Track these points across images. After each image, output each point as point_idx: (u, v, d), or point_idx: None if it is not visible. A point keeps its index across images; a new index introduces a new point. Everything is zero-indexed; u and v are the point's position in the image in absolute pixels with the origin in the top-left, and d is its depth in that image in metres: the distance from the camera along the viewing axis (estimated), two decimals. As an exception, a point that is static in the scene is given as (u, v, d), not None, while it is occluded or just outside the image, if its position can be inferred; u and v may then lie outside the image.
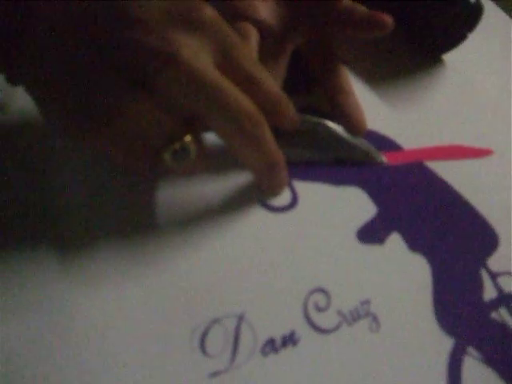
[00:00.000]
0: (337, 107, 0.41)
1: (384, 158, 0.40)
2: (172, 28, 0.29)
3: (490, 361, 0.33)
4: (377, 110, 0.43)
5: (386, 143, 0.41)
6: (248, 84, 0.31)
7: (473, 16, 0.47)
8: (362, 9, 0.41)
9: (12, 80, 0.32)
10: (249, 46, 0.39)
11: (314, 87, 0.44)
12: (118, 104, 0.28)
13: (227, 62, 0.31)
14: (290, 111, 0.34)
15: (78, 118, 0.30)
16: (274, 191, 0.37)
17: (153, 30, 0.29)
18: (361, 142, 0.40)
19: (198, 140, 0.31)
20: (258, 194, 0.37)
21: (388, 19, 0.40)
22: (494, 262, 0.37)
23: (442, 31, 0.48)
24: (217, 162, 0.37)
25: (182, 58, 0.28)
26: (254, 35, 0.40)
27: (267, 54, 0.40)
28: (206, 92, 0.29)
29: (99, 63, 0.29)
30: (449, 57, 0.49)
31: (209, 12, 0.30)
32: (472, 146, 0.43)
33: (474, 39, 0.47)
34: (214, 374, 0.30)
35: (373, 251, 0.36)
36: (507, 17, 0.57)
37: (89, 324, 0.30)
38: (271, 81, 0.33)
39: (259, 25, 0.41)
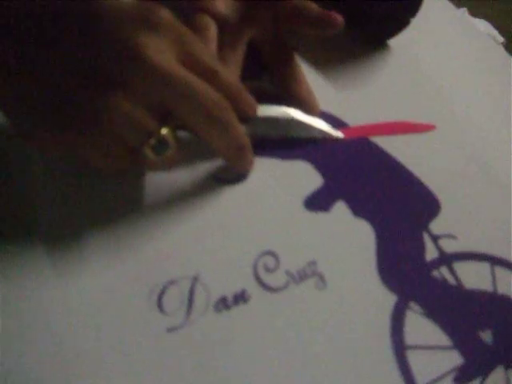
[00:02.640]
0: (292, 94, 0.44)
1: (340, 134, 0.43)
2: (134, 30, 0.31)
3: (430, 314, 0.36)
4: (325, 92, 0.46)
5: (334, 122, 0.44)
6: (209, 76, 0.34)
7: (414, 3, 0.50)
8: (313, 7, 0.44)
9: None
10: (206, 43, 0.41)
11: (264, 72, 0.46)
12: (91, 109, 0.31)
13: (187, 58, 0.34)
14: (248, 99, 0.37)
15: (52, 130, 0.32)
16: (242, 171, 0.39)
17: (116, 33, 0.31)
18: (317, 123, 0.42)
19: (173, 132, 0.34)
20: (212, 169, 0.39)
21: (339, 18, 0.43)
22: (436, 225, 0.40)
23: (385, 18, 0.51)
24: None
25: (146, 55, 0.31)
26: (212, 27, 0.43)
27: (225, 45, 0.43)
28: (173, 85, 0.32)
29: (67, 70, 0.31)
30: (394, 42, 0.52)
31: (164, 14, 0.33)
32: (415, 122, 0.46)
33: (417, 23, 0.49)
34: (171, 330, 0.32)
35: (319, 218, 0.38)
36: (448, 4, 0.60)
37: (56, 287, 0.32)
38: (229, 72, 0.36)
39: (217, 17, 0.44)
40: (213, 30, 0.43)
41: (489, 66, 0.53)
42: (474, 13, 1.77)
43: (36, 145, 0.33)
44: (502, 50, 0.56)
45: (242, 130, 0.35)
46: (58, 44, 0.31)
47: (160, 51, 0.32)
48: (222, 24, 0.44)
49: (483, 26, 1.73)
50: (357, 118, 0.44)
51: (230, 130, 0.34)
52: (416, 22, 0.50)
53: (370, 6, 0.50)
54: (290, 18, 0.45)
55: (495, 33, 1.75)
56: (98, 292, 0.33)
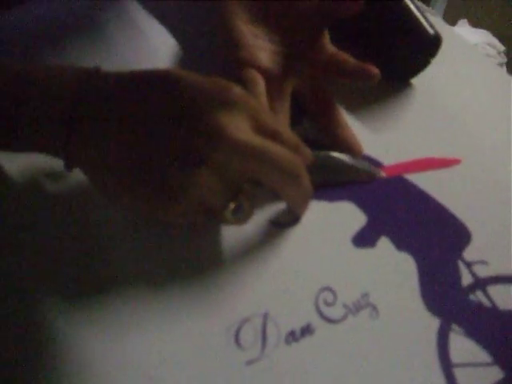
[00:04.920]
0: (336, 139, 0.49)
1: (382, 173, 0.48)
2: (215, 110, 0.36)
3: (470, 334, 0.41)
4: (359, 133, 0.51)
5: (371, 162, 0.49)
6: (274, 137, 0.39)
7: (433, 45, 0.55)
8: (349, 58, 0.49)
9: (70, 166, 0.39)
10: (257, 97, 0.45)
11: (306, 118, 0.51)
12: (179, 183, 0.36)
13: (257, 125, 0.38)
14: (305, 151, 0.42)
15: (138, 200, 0.37)
16: (301, 215, 0.44)
17: (199, 114, 0.36)
18: (362, 164, 0.47)
19: (248, 195, 0.39)
20: (270, 216, 0.44)
21: (375, 70, 0.48)
22: (469, 253, 0.45)
23: (407, 60, 0.56)
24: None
25: (228, 134, 0.36)
26: (260, 81, 0.47)
27: (273, 97, 0.47)
28: (254, 156, 0.37)
29: (155, 147, 0.36)
30: (416, 79, 0.57)
31: (238, 91, 0.38)
32: (442, 157, 0.51)
33: (437, 63, 0.55)
34: (249, 362, 0.37)
35: (367, 253, 0.43)
36: (465, 41, 0.65)
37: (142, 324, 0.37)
38: (289, 131, 0.41)
39: (261, 70, 0.49)
40: (261, 84, 0.47)
41: (507, 97, 0.58)
42: (474, 23, 1.82)
43: (120, 208, 0.39)
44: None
45: (308, 180, 0.40)
46: (144, 123, 0.36)
47: (239, 128, 0.36)
48: (267, 76, 0.48)
49: (484, 35, 1.78)
50: (390, 156, 0.49)
51: (301, 182, 0.39)
52: (435, 60, 0.55)
53: (394, 48, 0.55)
54: (328, 68, 0.50)
55: (495, 41, 1.80)
56: (177, 332, 0.37)
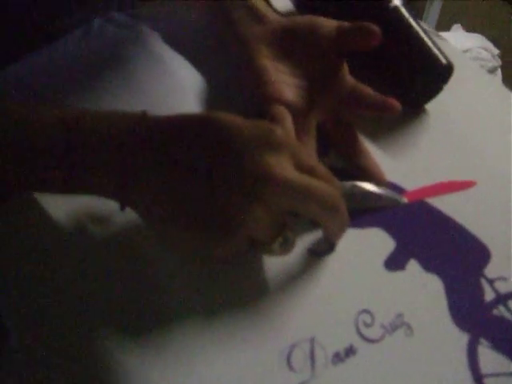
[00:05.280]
0: (360, 168, 0.53)
1: (405, 199, 0.52)
2: (261, 153, 0.40)
3: (496, 346, 0.45)
4: (379, 160, 0.55)
5: (394, 188, 0.53)
6: (311, 172, 0.42)
7: (445, 73, 0.59)
8: (370, 92, 0.53)
9: (124, 206, 0.42)
10: (286, 132, 0.48)
11: (330, 150, 0.55)
12: (232, 221, 0.39)
13: (297, 162, 0.42)
14: (336, 182, 0.45)
15: (202, 236, 0.41)
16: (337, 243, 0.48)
17: (247, 158, 0.40)
18: (386, 192, 0.51)
19: (292, 227, 0.42)
20: (307, 245, 0.48)
21: (396, 104, 0.52)
22: (489, 270, 0.49)
23: (421, 88, 0.60)
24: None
25: (275, 173, 0.40)
26: (288, 117, 0.50)
27: (300, 131, 0.51)
28: (300, 192, 0.40)
29: (212, 188, 0.40)
30: (430, 105, 0.61)
31: (280, 132, 0.42)
32: (459, 181, 0.55)
33: (449, 88, 0.59)
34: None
35: (398, 275, 0.47)
36: (478, 67, 0.69)
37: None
38: (321, 165, 0.44)
39: (287, 105, 0.52)
40: (289, 119, 0.50)
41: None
42: (468, 28, 1.87)
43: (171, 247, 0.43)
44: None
45: (346, 210, 0.44)
46: (194, 166, 0.40)
47: (285, 167, 0.40)
48: (292, 110, 0.51)
49: (478, 39, 1.82)
50: (410, 182, 0.53)
51: (340, 213, 0.43)
52: (447, 87, 0.59)
53: (409, 77, 0.59)
54: (350, 100, 0.54)
55: (490, 45, 1.84)
56: (234, 360, 0.41)
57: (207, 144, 0.41)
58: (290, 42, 0.56)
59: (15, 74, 0.58)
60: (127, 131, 0.41)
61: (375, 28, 0.52)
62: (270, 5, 0.63)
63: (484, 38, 1.87)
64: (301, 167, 0.42)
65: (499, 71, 1.89)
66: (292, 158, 0.42)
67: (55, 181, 0.42)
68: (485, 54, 1.84)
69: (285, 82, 0.55)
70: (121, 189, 0.41)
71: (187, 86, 0.60)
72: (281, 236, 0.41)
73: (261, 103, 0.54)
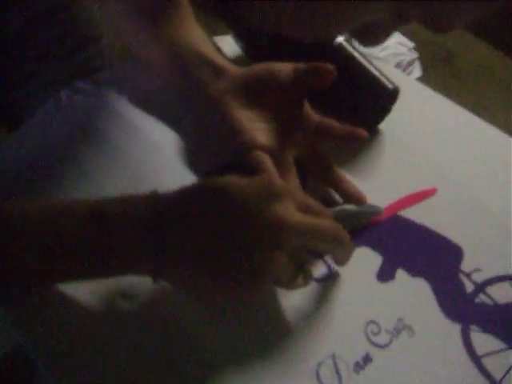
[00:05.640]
0: (342, 192, 0.60)
1: (381, 209, 0.59)
2: (269, 206, 0.46)
3: (485, 329, 0.52)
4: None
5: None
6: (307, 210, 0.48)
7: (393, 95, 0.67)
8: (336, 124, 0.60)
9: (157, 279, 0.47)
10: (269, 174, 0.53)
11: (309, 181, 0.62)
12: (258, 272, 0.45)
13: (299, 205, 0.48)
14: (328, 214, 0.51)
15: (234, 290, 0.47)
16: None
17: (259, 212, 0.45)
18: (367, 207, 0.58)
19: (310, 262, 0.49)
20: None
21: (364, 133, 0.59)
22: (465, 265, 0.57)
23: (373, 111, 0.68)
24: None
25: (286, 220, 0.45)
26: (267, 160, 0.55)
27: (280, 170, 0.55)
28: (312, 233, 0.47)
29: (236, 247, 0.45)
30: (383, 125, 0.69)
31: (279, 182, 0.48)
32: (421, 190, 0.63)
33: (398, 108, 0.67)
34: (334, 394, 0.47)
35: (391, 285, 0.54)
36: (421, 85, 0.78)
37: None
38: (313, 201, 0.50)
39: (264, 149, 0.57)
40: (269, 162, 0.55)
41: (463, 131, 0.71)
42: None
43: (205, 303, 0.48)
44: (476, 119, 0.74)
45: (350, 239, 0.50)
46: (214, 231, 0.45)
47: (291, 213, 0.46)
48: (270, 153, 0.57)
49: (394, 36, 1.92)
50: (380, 199, 0.61)
51: (346, 243, 0.49)
52: (395, 108, 0.67)
53: (361, 103, 0.67)
54: (319, 134, 0.61)
55: (404, 40, 1.96)
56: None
57: (220, 210, 0.46)
58: (253, 90, 0.62)
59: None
60: (146, 212, 0.46)
61: (329, 67, 0.58)
62: (222, 54, 0.68)
63: (399, 33, 1.98)
64: (301, 208, 0.48)
65: (417, 63, 2.01)
66: (293, 202, 0.48)
67: (87, 270, 0.47)
68: (401, 48, 1.96)
69: (257, 128, 0.60)
70: (156, 266, 0.46)
71: (163, 144, 0.65)
72: (302, 271, 0.48)
73: (239, 151, 0.59)
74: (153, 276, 0.46)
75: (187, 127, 0.66)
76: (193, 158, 0.64)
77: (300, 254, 0.48)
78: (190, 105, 0.67)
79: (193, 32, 0.70)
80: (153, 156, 0.64)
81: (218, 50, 0.69)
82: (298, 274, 0.48)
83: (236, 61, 0.68)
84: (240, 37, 0.77)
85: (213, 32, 0.74)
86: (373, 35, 0.40)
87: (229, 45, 0.75)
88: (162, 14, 0.69)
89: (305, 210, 0.48)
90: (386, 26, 0.40)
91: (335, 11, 0.38)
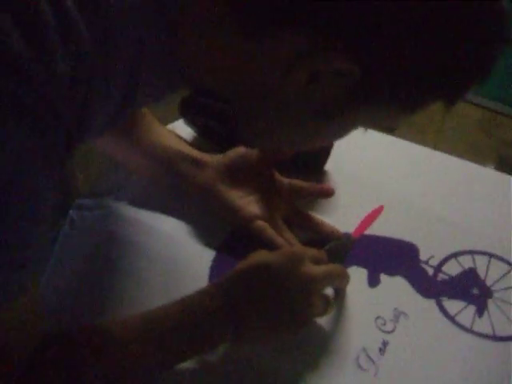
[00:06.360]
0: (324, 233, 0.79)
1: (353, 236, 0.80)
2: (298, 268, 0.64)
3: (451, 296, 0.75)
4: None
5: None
6: (315, 259, 0.68)
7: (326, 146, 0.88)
8: (304, 184, 0.80)
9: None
10: (272, 238, 0.76)
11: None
12: (310, 311, 0.64)
13: (311, 259, 0.67)
14: (322, 254, 0.71)
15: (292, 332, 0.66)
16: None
17: (297, 277, 0.64)
18: (345, 239, 0.79)
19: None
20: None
21: (331, 189, 0.80)
22: (422, 256, 0.80)
23: (316, 158, 0.89)
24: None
25: (314, 276, 0.65)
26: (266, 227, 0.76)
27: (278, 231, 0.76)
28: (329, 278, 0.67)
29: (286, 305, 0.63)
30: (328, 166, 0.90)
31: (297, 247, 0.70)
32: (373, 210, 0.85)
33: (337, 153, 0.89)
34: (375, 374, 0.68)
35: (380, 287, 0.76)
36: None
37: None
38: (314, 250, 0.70)
39: (260, 218, 0.77)
40: (269, 228, 0.76)
41: (393, 154, 0.94)
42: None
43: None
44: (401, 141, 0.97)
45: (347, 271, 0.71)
46: (270, 299, 0.63)
47: (314, 268, 0.64)
48: (263, 220, 0.77)
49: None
50: (347, 226, 0.82)
51: (346, 275, 0.70)
52: (334, 152, 0.89)
53: (307, 156, 0.88)
54: (292, 194, 0.80)
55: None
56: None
57: (268, 281, 0.64)
58: (234, 173, 0.80)
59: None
60: (223, 300, 0.63)
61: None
62: (191, 146, 0.85)
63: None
64: (312, 259, 0.68)
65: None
66: (308, 259, 0.68)
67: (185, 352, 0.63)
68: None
69: (248, 203, 0.79)
70: (233, 334, 0.63)
71: (173, 234, 0.81)
72: (329, 304, 0.68)
73: (241, 225, 0.79)
74: (232, 342, 0.64)
75: (186, 213, 0.83)
76: (200, 237, 0.81)
77: (324, 294, 0.68)
78: (180, 195, 0.84)
79: (162, 133, 0.85)
80: (167, 243, 0.80)
81: (185, 142, 0.86)
82: (329, 307, 0.68)
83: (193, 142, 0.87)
84: (193, 123, 0.93)
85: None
86: None
87: (181, 128, 0.93)
88: (131, 124, 0.81)
89: (314, 260, 0.68)
90: None
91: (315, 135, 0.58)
